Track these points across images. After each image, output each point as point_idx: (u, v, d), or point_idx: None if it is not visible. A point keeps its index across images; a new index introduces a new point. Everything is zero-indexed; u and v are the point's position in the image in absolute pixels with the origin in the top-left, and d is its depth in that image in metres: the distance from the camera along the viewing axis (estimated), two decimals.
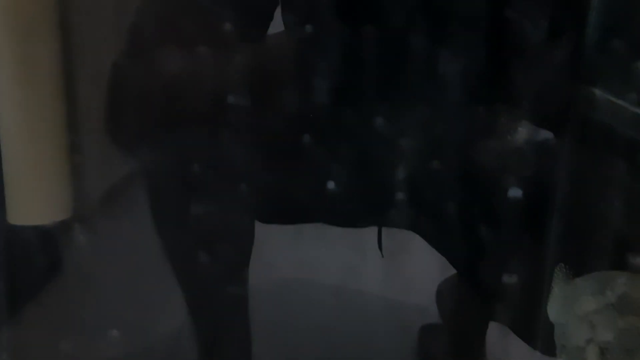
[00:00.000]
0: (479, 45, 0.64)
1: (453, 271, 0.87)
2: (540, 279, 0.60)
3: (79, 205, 0.63)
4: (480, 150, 0.72)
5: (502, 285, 0.68)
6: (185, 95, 0.69)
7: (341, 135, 0.71)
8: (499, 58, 0.65)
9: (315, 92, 0.69)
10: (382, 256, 0.82)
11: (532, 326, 0.64)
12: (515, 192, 0.64)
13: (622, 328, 0.48)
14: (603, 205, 0.62)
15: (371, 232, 0.82)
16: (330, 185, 0.70)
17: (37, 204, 0.58)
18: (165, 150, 0.70)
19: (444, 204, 0.71)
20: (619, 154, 0.61)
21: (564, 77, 0.67)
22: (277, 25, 0.71)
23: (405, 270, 0.95)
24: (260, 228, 0.79)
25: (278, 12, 0.71)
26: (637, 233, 0.59)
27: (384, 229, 0.82)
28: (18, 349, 0.79)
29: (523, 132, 0.70)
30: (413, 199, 0.71)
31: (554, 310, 0.54)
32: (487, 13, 0.63)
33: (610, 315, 0.49)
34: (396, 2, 0.64)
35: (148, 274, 0.84)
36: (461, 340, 0.90)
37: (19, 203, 0.58)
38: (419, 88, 0.68)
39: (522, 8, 0.62)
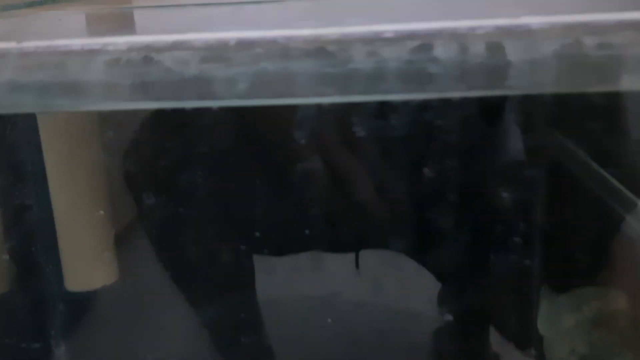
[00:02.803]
0: None
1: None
2: (529, 295, 0.67)
3: None
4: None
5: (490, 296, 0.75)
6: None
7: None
8: None
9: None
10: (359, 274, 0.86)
11: (524, 336, 0.70)
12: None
13: (596, 341, 0.58)
14: (578, 223, 0.68)
15: None
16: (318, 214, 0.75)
17: (89, 273, 0.69)
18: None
19: (423, 223, 0.76)
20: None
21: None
22: None
23: (404, 281, 0.99)
24: None
25: None
26: (607, 251, 0.67)
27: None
28: None
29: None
30: (393, 222, 0.76)
31: (542, 325, 0.63)
32: None
33: (586, 329, 0.59)
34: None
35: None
36: (466, 341, 0.96)
37: (74, 273, 0.69)
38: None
39: None
